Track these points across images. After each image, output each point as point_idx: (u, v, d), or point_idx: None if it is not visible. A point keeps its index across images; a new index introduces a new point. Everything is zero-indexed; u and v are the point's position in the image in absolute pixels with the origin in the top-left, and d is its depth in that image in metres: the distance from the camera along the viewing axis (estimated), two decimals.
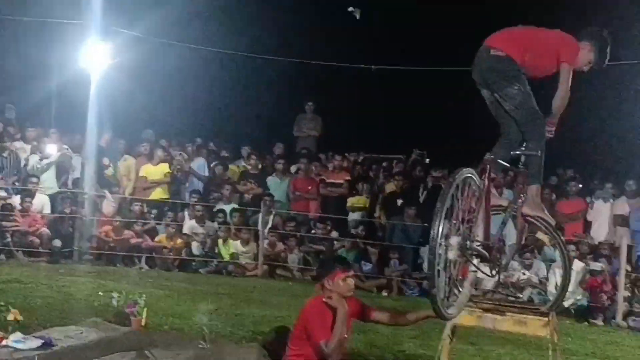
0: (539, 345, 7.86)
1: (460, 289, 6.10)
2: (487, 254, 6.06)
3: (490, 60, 6.15)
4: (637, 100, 16.85)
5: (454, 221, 5.69)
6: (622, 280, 13.04)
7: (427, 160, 17.42)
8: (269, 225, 15.42)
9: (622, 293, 13.02)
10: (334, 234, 15.51)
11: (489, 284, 7.74)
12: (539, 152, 6.11)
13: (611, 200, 14.83)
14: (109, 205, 15.28)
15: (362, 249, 15.02)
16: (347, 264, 6.56)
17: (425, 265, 14.32)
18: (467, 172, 5.85)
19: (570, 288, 13.28)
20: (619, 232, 14.46)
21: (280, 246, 15.31)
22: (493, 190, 6.37)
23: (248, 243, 15.24)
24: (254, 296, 12.99)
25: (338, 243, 15.29)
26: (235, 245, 15.23)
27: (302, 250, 15.35)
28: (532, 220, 6.66)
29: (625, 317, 12.96)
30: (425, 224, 14.86)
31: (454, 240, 5.70)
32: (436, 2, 18.57)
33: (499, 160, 6.32)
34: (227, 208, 15.73)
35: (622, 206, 14.72)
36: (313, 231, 15.70)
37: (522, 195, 6.47)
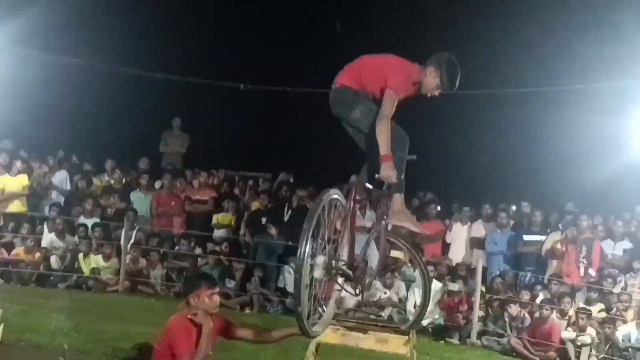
0: None
1: (325, 308, 6.23)
2: (351, 273, 6.21)
3: (333, 95, 6.37)
4: (494, 127, 17.62)
5: (320, 241, 5.83)
6: (477, 300, 13.52)
7: (292, 180, 17.58)
8: (132, 240, 15.20)
9: (477, 313, 13.50)
10: (198, 250, 15.45)
11: (351, 302, 7.91)
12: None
13: (468, 223, 15.35)
14: None
15: (226, 266, 15.00)
16: (212, 281, 6.56)
17: (290, 283, 14.62)
18: (334, 194, 6.00)
19: (428, 307, 13.85)
20: (475, 254, 15.00)
21: (142, 262, 15.11)
22: (357, 212, 6.55)
23: (110, 258, 14.98)
24: (115, 312, 12.80)
25: (202, 260, 15.23)
26: (97, 260, 14.95)
27: (165, 266, 15.21)
28: (394, 240, 6.91)
29: (479, 336, 13.46)
30: (289, 242, 15.06)
31: (320, 259, 5.83)
32: (309, 23, 18.85)
33: (364, 183, 6.50)
34: (89, 222, 15.42)
35: (479, 229, 15.27)
36: (177, 247, 15.58)
37: (385, 217, 6.67)
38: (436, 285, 13.96)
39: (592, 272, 14.12)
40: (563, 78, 15.91)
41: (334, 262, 5.97)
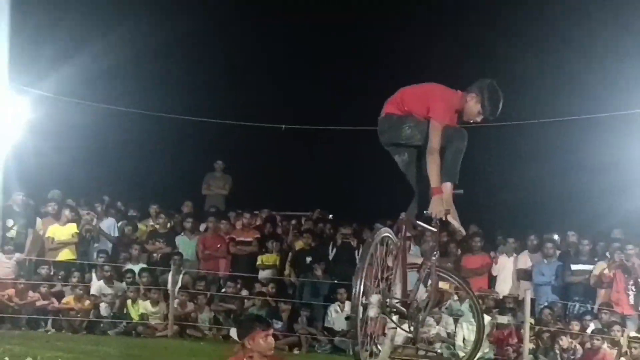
0: None
1: (380, 345, 6.25)
2: (405, 310, 6.24)
3: (380, 124, 6.47)
4: (536, 156, 17.58)
5: (374, 279, 5.88)
6: (527, 332, 13.40)
7: (330, 216, 17.61)
8: (179, 284, 15.30)
9: (527, 345, 13.37)
10: (244, 292, 15.50)
11: (400, 339, 7.89)
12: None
13: (514, 255, 15.24)
14: (2, 267, 14.96)
15: (272, 306, 15.03)
16: (267, 322, 6.53)
17: (337, 322, 14.62)
18: (385, 232, 6.06)
19: None
20: (522, 286, 14.85)
21: (190, 305, 15.17)
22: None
23: (157, 303, 15.08)
24: (165, 357, 12.91)
25: (249, 301, 15.28)
26: (145, 306, 15.04)
27: (212, 309, 15.27)
28: (444, 275, 6.93)
29: None
30: (335, 281, 15.08)
31: (374, 297, 5.88)
32: (347, 63, 19.03)
33: (414, 219, 6.54)
34: (136, 268, 15.56)
35: (525, 260, 15.15)
36: (223, 290, 15.65)
37: (435, 252, 6.70)
38: (485, 318, 13.85)
39: None
40: (605, 104, 15.85)
41: (388, 300, 6.01)
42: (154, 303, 15.06)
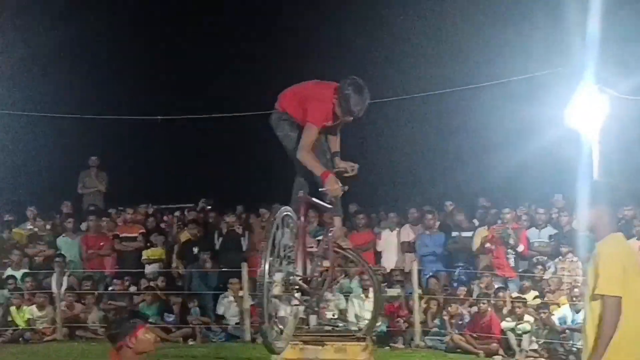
0: None
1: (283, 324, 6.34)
2: (307, 287, 6.35)
3: (271, 117, 6.89)
4: (407, 130, 18.02)
5: (276, 258, 5.95)
6: (416, 302, 13.78)
7: (209, 207, 17.54)
8: (64, 286, 14.97)
9: (418, 315, 13.75)
10: (133, 288, 15.31)
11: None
12: None
13: (397, 229, 15.59)
14: None
15: (163, 300, 14.91)
16: (143, 317, 6.18)
17: (228, 310, 14.65)
18: (285, 211, 6.14)
19: (369, 315, 14.03)
20: (407, 258, 15.24)
21: (78, 307, 14.89)
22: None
23: (44, 307, 14.72)
24: None
25: (138, 297, 15.10)
26: (31, 311, 14.67)
27: (101, 308, 15.02)
28: (340, 251, 7.09)
29: (422, 338, 13.71)
30: (223, 269, 15.09)
31: (278, 276, 5.96)
32: (219, 49, 18.96)
33: (310, 198, 6.65)
34: (18, 274, 15.12)
35: (407, 233, 15.53)
36: (111, 288, 15.40)
37: (330, 229, 6.85)
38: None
39: (522, 261, 14.52)
40: (473, 75, 16.37)
41: (291, 277, 6.10)
42: (40, 307, 14.69)
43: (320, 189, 6.49)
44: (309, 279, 6.42)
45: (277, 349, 5.98)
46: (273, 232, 5.82)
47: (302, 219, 6.41)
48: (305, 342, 6.72)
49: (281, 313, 6.19)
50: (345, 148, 7.08)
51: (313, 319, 7.35)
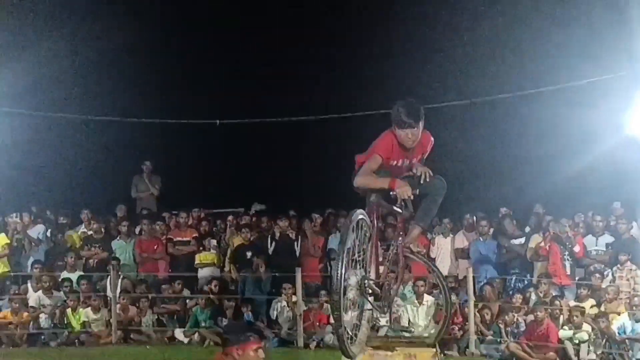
0: None
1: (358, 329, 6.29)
2: (379, 291, 6.31)
3: None
4: (463, 136, 17.89)
5: (351, 262, 5.92)
6: (471, 310, 13.65)
7: (261, 209, 17.59)
8: (119, 289, 15.07)
9: (472, 322, 13.63)
10: (186, 292, 15.38)
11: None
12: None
13: (451, 235, 15.50)
14: None
15: (217, 305, 14.95)
16: (260, 333, 6.01)
17: (281, 315, 14.65)
18: (360, 214, 6.09)
19: (422, 322, 13.97)
20: (461, 265, 15.15)
21: (132, 310, 14.99)
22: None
23: (99, 310, 14.85)
24: None
25: (191, 301, 15.17)
26: (86, 313, 14.79)
27: (155, 312, 15.11)
28: (411, 256, 7.01)
29: (477, 345, 13.60)
30: (275, 274, 15.09)
31: (353, 280, 5.92)
32: (276, 56, 19.01)
33: (382, 201, 6.59)
34: (73, 276, 15.27)
35: (461, 240, 15.44)
36: (164, 291, 15.46)
37: (401, 233, 6.78)
38: (428, 299, 14.09)
39: (578, 269, 14.35)
40: (531, 80, 16.21)
41: (366, 281, 6.06)
42: (95, 310, 14.82)
43: (390, 193, 6.46)
44: (381, 283, 6.38)
45: (352, 354, 5.93)
46: (349, 235, 5.78)
47: (376, 222, 6.37)
48: (375, 348, 6.66)
49: (355, 318, 6.14)
50: None
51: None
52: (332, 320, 14.28)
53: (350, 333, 5.98)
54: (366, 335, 6.44)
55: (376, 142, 6.50)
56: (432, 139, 6.74)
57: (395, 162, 6.48)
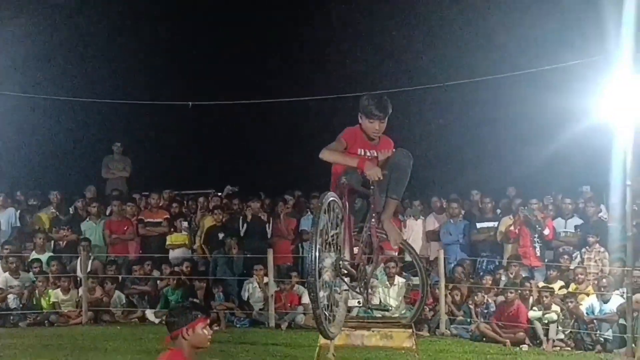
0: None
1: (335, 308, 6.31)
2: (355, 272, 6.33)
3: None
4: (434, 120, 17.99)
5: (325, 243, 5.93)
6: (442, 291, 13.77)
7: (237, 191, 17.58)
8: (89, 270, 15.00)
9: (444, 303, 13.75)
10: (156, 273, 15.33)
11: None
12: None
13: (422, 217, 15.58)
14: None
15: (187, 285, 14.92)
16: (205, 309, 5.60)
17: (253, 295, 14.68)
18: (331, 196, 6.10)
19: (393, 303, 14.05)
20: (432, 247, 15.26)
21: (101, 291, 14.93)
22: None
23: (69, 291, 14.76)
24: (81, 344, 12.75)
25: (162, 282, 15.13)
26: (56, 294, 14.71)
27: (125, 292, 15.07)
28: (385, 236, 7.03)
29: (447, 326, 13.72)
30: (247, 255, 15.10)
31: (328, 261, 5.94)
32: (249, 39, 18.93)
33: (353, 183, 6.60)
34: (43, 257, 15.15)
35: (432, 222, 15.53)
36: (135, 272, 15.40)
37: (374, 214, 6.79)
38: (399, 280, 14.19)
39: (547, 251, 14.49)
40: (504, 65, 16.29)
41: (340, 262, 6.08)
42: (65, 291, 14.74)
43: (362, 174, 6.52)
44: (356, 264, 6.40)
45: (330, 334, 5.96)
46: (321, 217, 5.79)
47: (347, 203, 6.38)
48: (352, 328, 6.71)
49: (332, 298, 6.15)
50: None
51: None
52: (303, 301, 14.40)
53: (327, 314, 6.00)
54: (344, 315, 6.47)
55: (344, 131, 6.69)
56: (392, 144, 6.90)
57: (360, 151, 6.64)
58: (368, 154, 6.68)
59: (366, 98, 6.57)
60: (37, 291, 14.73)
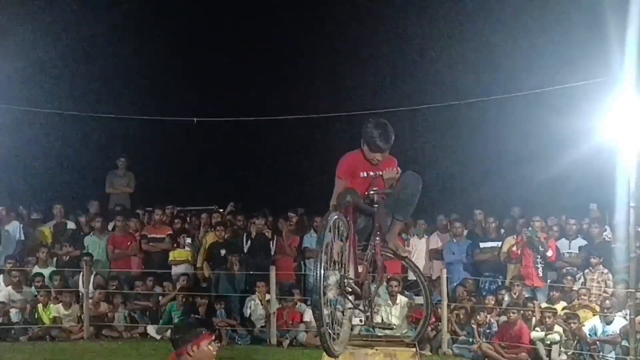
0: None
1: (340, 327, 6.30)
2: (359, 290, 6.33)
3: None
4: (447, 141, 18.00)
5: (330, 261, 5.93)
6: (444, 310, 13.74)
7: (234, 208, 17.56)
8: (91, 285, 14.98)
9: (446, 322, 13.72)
10: (158, 289, 15.31)
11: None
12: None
13: (425, 236, 15.57)
14: None
15: (190, 302, 14.90)
16: (211, 326, 5.66)
17: (255, 312, 14.64)
18: (336, 215, 6.11)
19: (396, 322, 14.00)
20: (435, 266, 15.23)
21: (104, 306, 14.91)
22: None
23: (70, 305, 14.74)
24: (84, 359, 12.68)
25: (164, 298, 15.11)
26: (57, 309, 14.69)
27: (127, 308, 15.04)
28: (390, 255, 7.04)
29: (450, 345, 13.68)
30: (251, 272, 15.08)
31: (332, 279, 5.93)
32: (256, 56, 19.00)
33: (358, 201, 6.61)
34: (45, 271, 15.13)
35: (435, 241, 15.52)
36: (137, 288, 15.37)
37: (378, 233, 6.79)
38: (402, 299, 14.15)
39: (550, 272, 14.46)
40: (510, 84, 16.32)
41: (345, 280, 6.07)
42: (67, 306, 14.72)
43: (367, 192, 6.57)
44: (360, 282, 6.39)
45: (335, 352, 5.95)
46: (327, 235, 5.79)
47: (351, 222, 6.38)
48: (356, 346, 6.69)
49: (336, 316, 6.15)
50: None
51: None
52: (305, 319, 14.37)
53: (332, 332, 5.99)
54: (348, 333, 6.46)
55: (340, 163, 6.71)
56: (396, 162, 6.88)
57: (363, 174, 6.69)
58: (372, 174, 6.68)
59: (370, 127, 6.53)
60: (38, 306, 14.68)
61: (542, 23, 16.46)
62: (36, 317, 14.71)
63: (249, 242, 15.60)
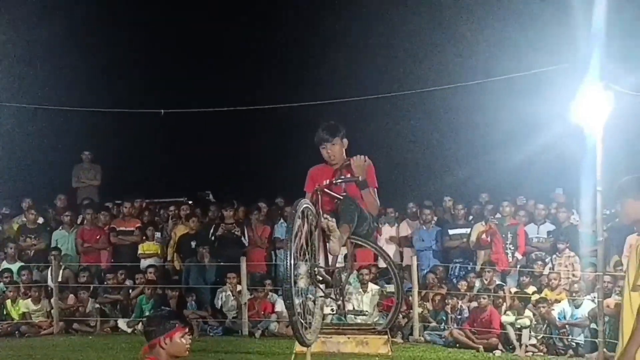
0: None
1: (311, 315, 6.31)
2: (330, 278, 6.33)
3: None
4: (414, 129, 18.05)
5: (299, 250, 5.93)
6: (415, 297, 13.79)
7: (211, 198, 17.53)
8: (59, 279, 14.85)
9: (417, 310, 13.78)
10: (128, 282, 15.22)
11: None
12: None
13: (395, 224, 15.61)
14: None
15: (160, 294, 14.83)
16: (184, 318, 5.71)
17: (226, 304, 14.62)
18: (305, 203, 6.11)
19: (368, 310, 14.04)
20: (405, 253, 15.28)
21: (74, 300, 14.81)
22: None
23: (39, 300, 14.63)
24: (54, 355, 12.59)
25: (134, 291, 15.03)
26: (26, 304, 14.57)
27: (97, 302, 14.95)
28: (360, 242, 7.04)
29: (421, 332, 13.75)
30: (220, 263, 15.03)
31: (303, 268, 5.94)
32: (221, 46, 18.92)
33: (327, 190, 6.62)
34: (14, 267, 14.99)
35: (405, 228, 15.57)
36: (107, 281, 15.27)
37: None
38: (373, 287, 14.20)
39: (519, 256, 14.56)
40: (476, 71, 16.40)
41: (316, 269, 6.08)
42: (36, 301, 14.60)
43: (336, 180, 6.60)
44: (331, 271, 6.40)
45: (307, 341, 5.95)
46: (297, 224, 5.79)
47: (321, 210, 6.39)
48: (328, 335, 6.71)
49: (308, 306, 6.15)
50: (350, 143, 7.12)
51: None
52: (277, 309, 14.37)
53: (304, 321, 6.00)
54: (320, 322, 6.46)
55: (306, 178, 6.92)
56: (370, 163, 6.99)
57: (325, 182, 6.76)
58: (339, 181, 6.74)
59: (318, 130, 6.77)
60: (7, 301, 14.54)
61: (507, 10, 16.53)
62: (5, 313, 14.58)
63: (219, 232, 15.53)
